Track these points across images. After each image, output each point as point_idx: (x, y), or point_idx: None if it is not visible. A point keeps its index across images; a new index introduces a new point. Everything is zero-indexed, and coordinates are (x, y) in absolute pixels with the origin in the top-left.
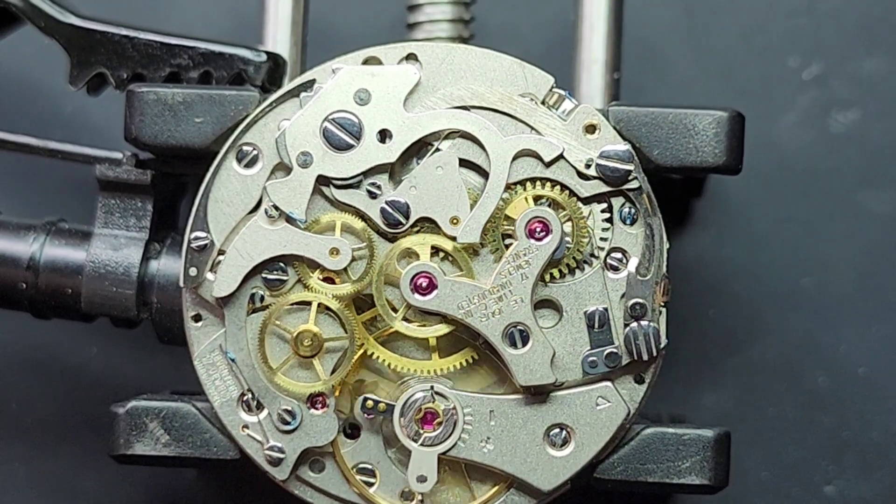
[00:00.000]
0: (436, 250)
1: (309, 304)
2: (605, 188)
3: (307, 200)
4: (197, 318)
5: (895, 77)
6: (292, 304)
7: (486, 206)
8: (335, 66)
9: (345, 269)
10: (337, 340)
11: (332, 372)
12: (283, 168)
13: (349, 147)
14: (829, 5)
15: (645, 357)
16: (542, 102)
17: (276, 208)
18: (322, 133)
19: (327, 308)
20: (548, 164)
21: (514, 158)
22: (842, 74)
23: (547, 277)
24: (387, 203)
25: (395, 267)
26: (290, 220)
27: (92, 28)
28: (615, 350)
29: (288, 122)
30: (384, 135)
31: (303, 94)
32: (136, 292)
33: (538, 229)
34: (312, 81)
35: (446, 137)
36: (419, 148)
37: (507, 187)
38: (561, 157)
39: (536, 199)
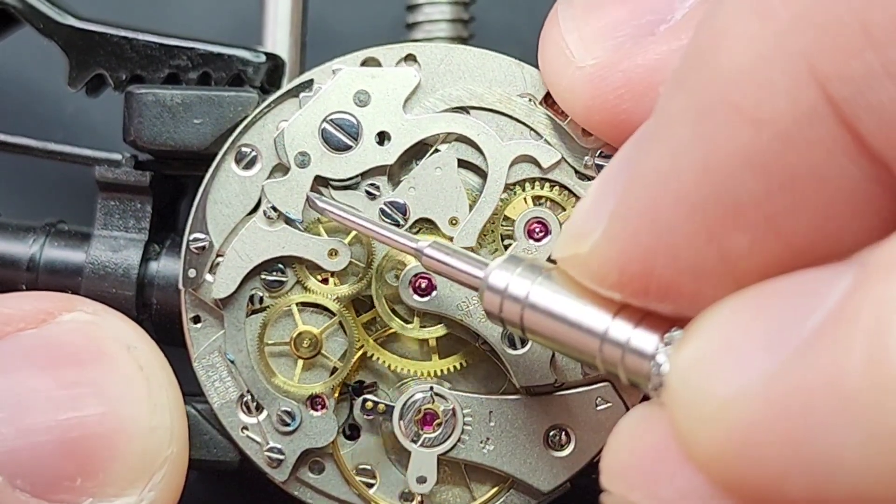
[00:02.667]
0: None
1: (307, 306)
2: None
3: (304, 201)
4: (196, 319)
5: None
6: (289, 308)
7: (483, 211)
8: (335, 66)
9: (343, 271)
10: (331, 327)
11: (331, 374)
12: (281, 169)
13: (347, 148)
14: None
15: None
16: (541, 103)
17: (275, 209)
18: (320, 134)
19: (320, 307)
20: (546, 170)
21: (513, 164)
22: None
23: None
24: (385, 204)
25: (394, 268)
26: (288, 221)
27: (91, 29)
28: None
29: (287, 122)
30: (383, 137)
31: (302, 95)
32: (136, 293)
33: (537, 230)
34: (311, 81)
35: (445, 140)
36: (418, 149)
37: (506, 188)
38: (560, 161)
39: (535, 199)
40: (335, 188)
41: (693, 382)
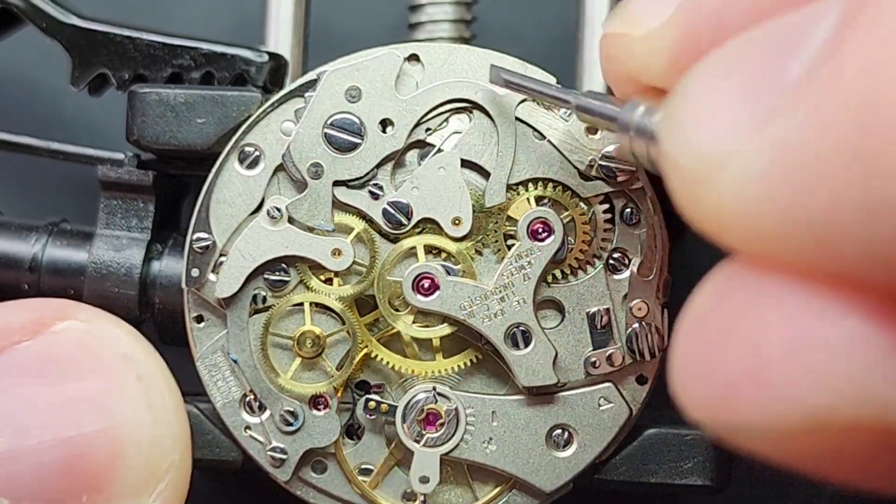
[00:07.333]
0: (438, 251)
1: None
2: (607, 188)
3: (330, 209)
4: (199, 319)
5: None
6: (291, 307)
7: (504, 162)
8: (319, 70)
9: (347, 270)
10: (337, 333)
11: (333, 372)
12: (283, 170)
13: (355, 146)
14: None
15: (647, 357)
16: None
17: (279, 209)
18: (325, 140)
19: (323, 307)
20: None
21: (519, 104)
22: None
23: (549, 278)
24: (388, 204)
25: (397, 268)
26: (291, 220)
27: (94, 29)
28: (617, 350)
29: (290, 123)
30: (385, 124)
31: (307, 94)
32: (139, 293)
33: (540, 230)
34: (314, 81)
35: (449, 136)
36: (422, 147)
37: (509, 188)
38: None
39: (538, 199)
40: (352, 187)
41: (674, 137)
